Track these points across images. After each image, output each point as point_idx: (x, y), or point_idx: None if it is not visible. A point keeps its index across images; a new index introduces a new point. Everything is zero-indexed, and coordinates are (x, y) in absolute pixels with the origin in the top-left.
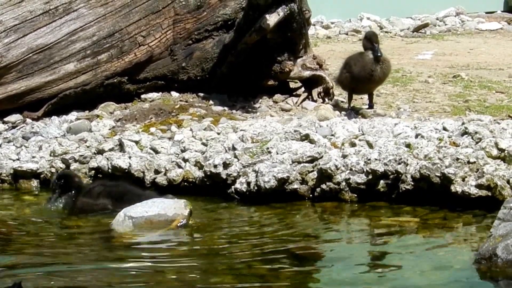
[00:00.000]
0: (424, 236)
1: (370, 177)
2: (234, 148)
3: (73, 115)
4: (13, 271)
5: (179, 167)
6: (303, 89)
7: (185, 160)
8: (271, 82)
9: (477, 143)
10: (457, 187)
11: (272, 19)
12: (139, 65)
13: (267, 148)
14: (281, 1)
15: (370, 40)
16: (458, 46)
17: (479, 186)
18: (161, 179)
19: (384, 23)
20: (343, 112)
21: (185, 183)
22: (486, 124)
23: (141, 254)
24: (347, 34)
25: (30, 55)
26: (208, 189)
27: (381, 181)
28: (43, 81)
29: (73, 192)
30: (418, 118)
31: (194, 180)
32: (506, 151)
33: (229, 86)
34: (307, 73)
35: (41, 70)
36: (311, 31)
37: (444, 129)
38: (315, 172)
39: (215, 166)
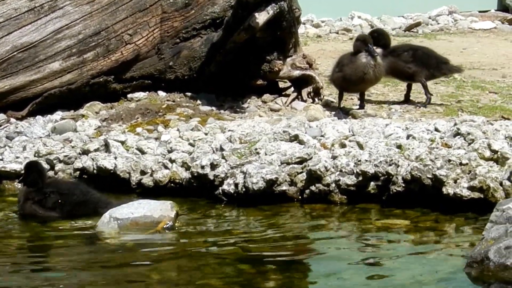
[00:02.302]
0: (415, 239)
1: (360, 178)
2: (221, 149)
3: (58, 114)
4: None
5: (166, 168)
6: (292, 89)
7: (172, 161)
8: (260, 82)
9: (469, 144)
10: (449, 189)
11: (261, 17)
12: (126, 64)
13: (256, 149)
14: None
15: (365, 42)
16: (450, 45)
17: (471, 188)
18: (147, 180)
19: (376, 22)
20: (333, 113)
21: (172, 184)
22: (479, 125)
23: (126, 256)
24: (337, 33)
25: (15, 53)
26: (195, 191)
27: (372, 183)
28: (28, 80)
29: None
30: (409, 118)
31: (181, 181)
32: (499, 153)
33: (217, 86)
34: (296, 73)
35: (26, 68)
36: (301, 29)
37: (436, 130)
38: (304, 174)
39: (202, 167)
